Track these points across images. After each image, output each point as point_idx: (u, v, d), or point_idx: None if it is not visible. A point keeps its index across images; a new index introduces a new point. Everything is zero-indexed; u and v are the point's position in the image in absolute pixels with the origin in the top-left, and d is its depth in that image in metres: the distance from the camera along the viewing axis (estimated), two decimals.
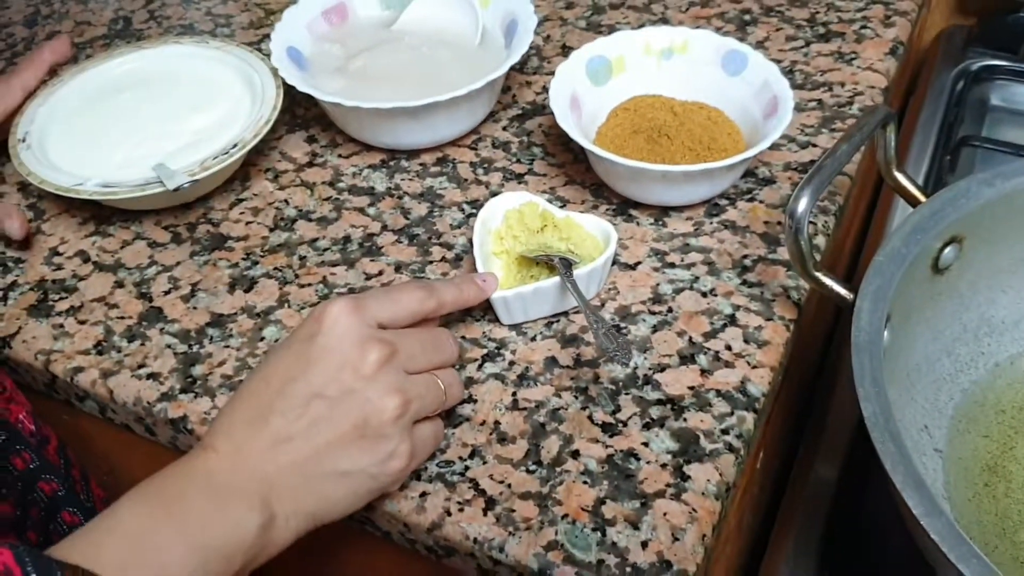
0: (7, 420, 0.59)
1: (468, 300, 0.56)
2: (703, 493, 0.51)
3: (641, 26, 0.82)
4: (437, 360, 0.52)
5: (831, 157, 0.56)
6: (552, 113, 0.66)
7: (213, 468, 0.46)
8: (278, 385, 0.48)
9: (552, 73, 0.69)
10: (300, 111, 0.79)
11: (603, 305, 0.61)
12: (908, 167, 0.84)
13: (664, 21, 0.84)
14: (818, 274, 0.56)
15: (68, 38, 0.77)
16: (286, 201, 0.71)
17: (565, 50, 0.82)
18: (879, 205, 0.86)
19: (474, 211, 0.68)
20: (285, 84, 0.71)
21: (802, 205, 0.54)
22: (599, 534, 0.49)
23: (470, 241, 0.65)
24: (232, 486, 0.46)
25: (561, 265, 0.57)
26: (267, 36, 0.87)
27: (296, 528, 0.47)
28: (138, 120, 0.72)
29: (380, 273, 0.64)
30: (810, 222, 0.55)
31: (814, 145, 0.71)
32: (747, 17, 0.83)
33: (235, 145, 0.67)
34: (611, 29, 0.83)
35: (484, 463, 0.53)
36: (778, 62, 0.69)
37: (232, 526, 0.45)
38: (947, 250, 0.59)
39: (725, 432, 0.53)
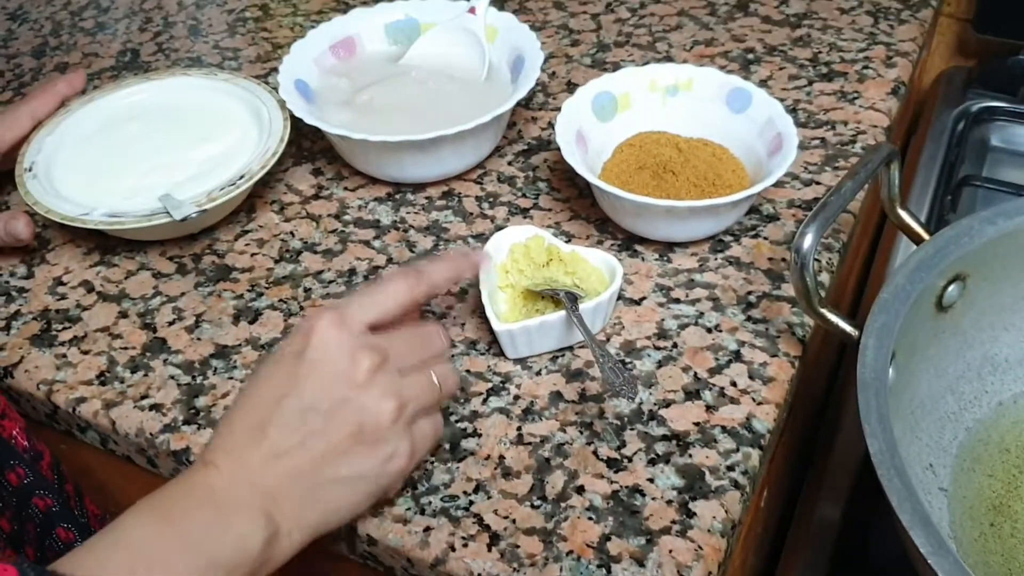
0: (0, 436, 0.59)
1: (462, 273, 0.56)
2: (709, 530, 0.50)
3: (646, 64, 0.82)
4: (427, 355, 0.52)
5: (836, 194, 0.56)
6: (557, 148, 0.66)
7: (215, 484, 0.46)
8: (271, 401, 0.48)
9: (557, 109, 0.69)
10: (307, 144, 0.80)
11: (608, 340, 0.61)
12: (910, 206, 0.84)
13: (669, 59, 0.85)
14: (823, 311, 0.56)
15: (83, 72, 0.78)
16: (292, 233, 0.71)
17: (570, 87, 0.82)
18: (882, 242, 0.86)
19: (479, 245, 0.68)
20: (292, 116, 0.71)
21: (807, 241, 0.54)
22: (604, 571, 0.49)
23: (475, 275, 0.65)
24: (235, 501, 0.46)
25: (567, 299, 0.57)
26: (274, 69, 0.88)
27: (300, 539, 0.47)
28: (145, 150, 0.72)
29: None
30: (815, 259, 0.56)
31: (817, 183, 0.71)
32: (750, 56, 0.84)
33: (242, 176, 0.68)
34: (616, 67, 0.84)
35: (489, 498, 0.53)
36: (781, 100, 0.69)
37: (236, 540, 0.45)
38: (951, 288, 0.59)
39: (731, 469, 0.53)
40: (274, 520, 0.46)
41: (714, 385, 0.57)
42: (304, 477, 0.47)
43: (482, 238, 0.69)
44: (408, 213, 0.72)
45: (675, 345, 0.60)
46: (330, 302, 0.65)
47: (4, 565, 0.38)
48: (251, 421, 0.48)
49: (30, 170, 0.70)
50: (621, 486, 0.53)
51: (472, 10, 0.78)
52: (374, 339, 0.49)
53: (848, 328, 0.56)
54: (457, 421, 0.57)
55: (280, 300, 0.66)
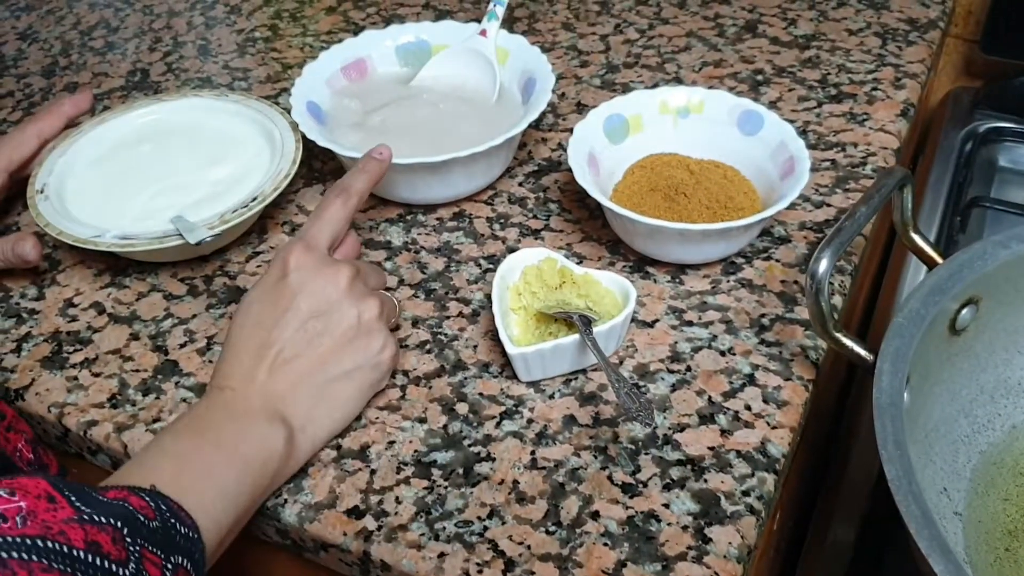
0: (3, 451, 0.59)
1: (377, 178, 0.62)
2: (725, 556, 0.50)
3: (655, 85, 0.83)
4: (381, 282, 0.62)
5: (850, 219, 0.56)
6: (568, 169, 0.66)
7: (231, 401, 0.53)
8: (269, 321, 0.54)
9: (567, 130, 0.69)
10: (317, 165, 0.80)
11: (621, 363, 0.60)
12: (919, 226, 0.85)
13: (678, 80, 0.85)
14: (838, 334, 0.56)
15: (90, 92, 0.78)
16: None
17: (580, 107, 0.83)
18: (891, 262, 0.86)
19: (491, 266, 0.68)
20: (303, 138, 0.71)
21: (823, 266, 0.54)
22: None
23: (487, 296, 0.65)
24: (252, 411, 0.52)
25: (580, 322, 0.57)
26: (284, 90, 0.88)
27: (314, 436, 0.54)
28: (157, 172, 0.72)
29: (397, 328, 0.64)
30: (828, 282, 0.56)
31: (828, 204, 0.71)
32: (759, 77, 0.84)
33: (255, 198, 0.68)
34: (625, 88, 0.84)
35: (503, 523, 0.52)
36: (791, 122, 0.69)
37: (261, 441, 0.51)
38: (964, 311, 0.59)
39: (746, 494, 0.53)
40: (288, 421, 0.53)
41: (728, 409, 0.57)
42: (311, 376, 0.54)
43: (493, 259, 0.69)
44: (419, 234, 0.72)
45: (689, 368, 0.60)
46: None
47: (35, 479, 0.40)
48: (254, 344, 0.54)
49: (42, 192, 0.70)
50: (636, 511, 0.52)
51: (483, 32, 0.78)
52: (342, 259, 0.57)
53: (863, 352, 0.56)
54: (470, 445, 0.56)
55: None
